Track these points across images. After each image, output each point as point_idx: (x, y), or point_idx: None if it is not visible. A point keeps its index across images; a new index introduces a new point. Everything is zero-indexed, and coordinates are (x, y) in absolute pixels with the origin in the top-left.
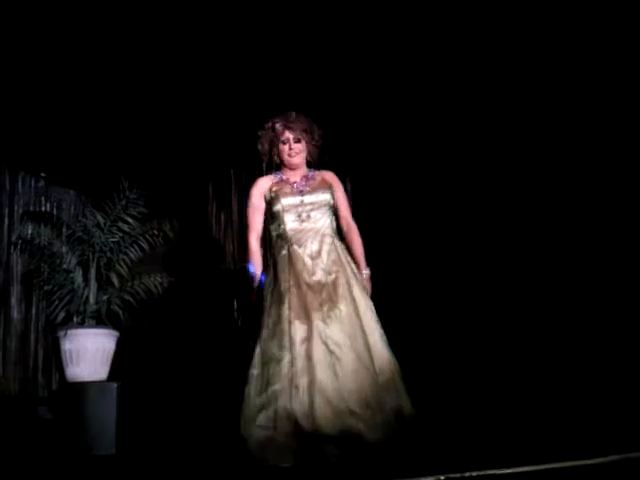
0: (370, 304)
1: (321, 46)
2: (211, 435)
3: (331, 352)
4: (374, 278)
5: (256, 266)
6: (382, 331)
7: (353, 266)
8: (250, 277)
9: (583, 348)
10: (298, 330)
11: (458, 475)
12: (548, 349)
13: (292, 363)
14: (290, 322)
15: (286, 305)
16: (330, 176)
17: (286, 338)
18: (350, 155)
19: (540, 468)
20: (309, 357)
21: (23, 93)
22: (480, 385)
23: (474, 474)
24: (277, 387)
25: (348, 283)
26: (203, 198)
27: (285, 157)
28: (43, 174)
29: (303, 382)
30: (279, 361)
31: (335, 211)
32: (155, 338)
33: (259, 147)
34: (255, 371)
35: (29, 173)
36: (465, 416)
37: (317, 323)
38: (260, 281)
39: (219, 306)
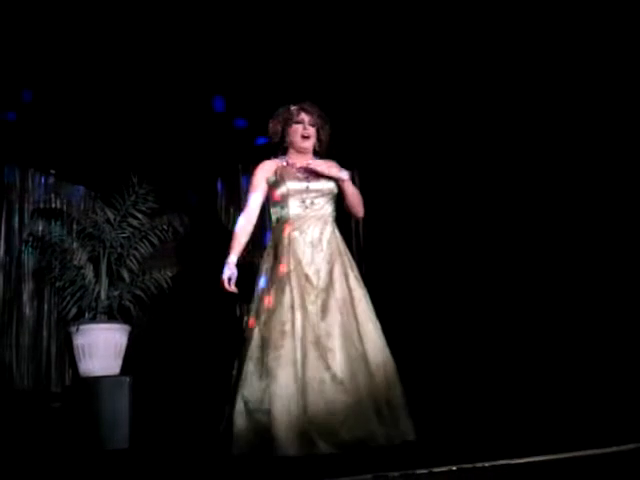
0: (365, 293)
1: (329, 40)
2: (223, 428)
3: (324, 345)
4: (378, 272)
5: (233, 248)
6: (376, 320)
7: (350, 256)
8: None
9: (593, 338)
10: (298, 318)
11: (470, 466)
12: (558, 339)
13: (293, 351)
14: (293, 309)
15: (287, 291)
16: (335, 165)
17: (288, 325)
18: (358, 147)
19: (552, 458)
20: (304, 348)
21: (32, 91)
22: (493, 376)
23: (486, 464)
24: (277, 374)
25: (345, 273)
26: (212, 193)
27: (297, 138)
28: (53, 171)
29: (300, 372)
30: (280, 347)
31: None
32: (166, 332)
33: (270, 126)
34: (254, 354)
35: (39, 170)
36: (477, 407)
37: (313, 314)
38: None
39: (229, 300)
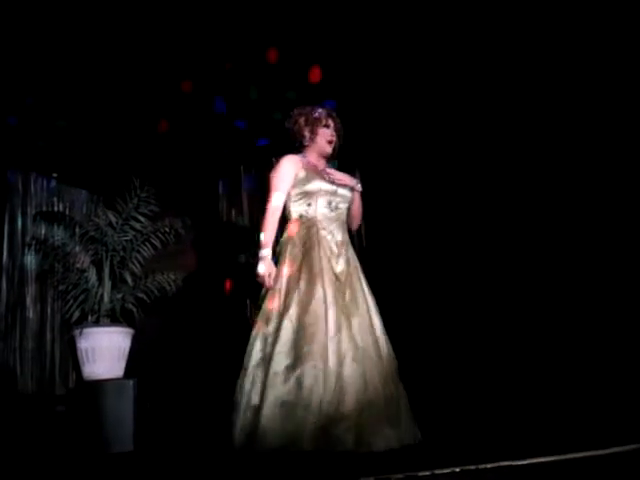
0: (373, 297)
1: (332, 41)
2: (228, 431)
3: (357, 346)
4: (379, 272)
5: (268, 242)
6: (382, 324)
7: (358, 261)
8: (260, 243)
9: (595, 340)
10: (331, 314)
11: (473, 467)
12: (561, 341)
13: (327, 348)
14: (326, 305)
15: (319, 287)
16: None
17: (322, 322)
18: (360, 146)
19: (555, 459)
20: (338, 342)
21: (34, 96)
22: (495, 377)
23: (489, 466)
24: (310, 367)
25: (360, 278)
26: (213, 195)
27: (324, 142)
28: (55, 175)
29: (335, 366)
30: (316, 343)
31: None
32: (170, 335)
33: (297, 121)
34: (283, 348)
35: (41, 174)
36: (480, 408)
37: (343, 315)
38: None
39: (232, 302)
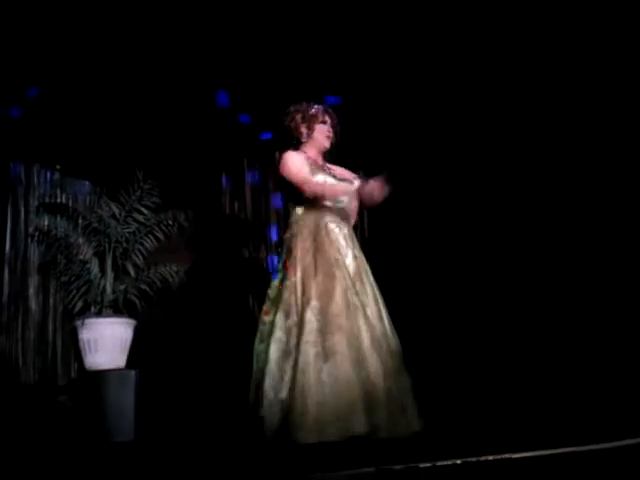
0: (379, 289)
1: (334, 36)
2: (228, 421)
3: (375, 336)
4: (382, 270)
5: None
6: (387, 313)
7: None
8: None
9: (595, 334)
10: (352, 304)
11: (474, 459)
12: (561, 334)
13: (354, 336)
14: (347, 296)
15: (337, 278)
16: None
17: (345, 312)
18: (361, 143)
19: (557, 452)
20: (364, 337)
21: (37, 86)
22: (497, 370)
23: (490, 458)
24: (338, 358)
25: (367, 270)
26: (217, 188)
27: (322, 138)
28: (58, 166)
29: (358, 355)
30: (342, 332)
31: None
32: (172, 326)
33: (294, 118)
34: (310, 338)
35: (44, 165)
36: (481, 400)
37: (360, 305)
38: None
39: (234, 294)
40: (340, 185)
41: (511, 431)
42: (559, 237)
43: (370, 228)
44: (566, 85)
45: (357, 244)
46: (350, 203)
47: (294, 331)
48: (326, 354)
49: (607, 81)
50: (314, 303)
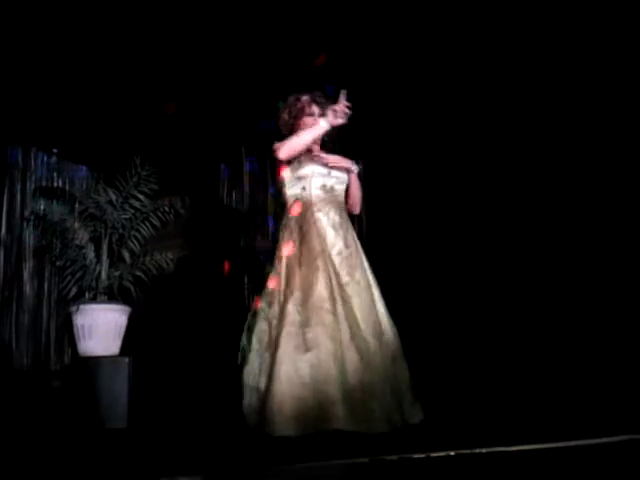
0: (374, 277)
1: (335, 28)
2: (221, 409)
3: (359, 326)
4: (383, 263)
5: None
6: (384, 303)
7: (359, 242)
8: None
9: (591, 330)
10: (337, 296)
11: (468, 451)
12: (556, 330)
13: (333, 328)
14: (331, 286)
15: (320, 268)
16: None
17: (326, 304)
18: (363, 138)
19: (550, 446)
20: (341, 324)
21: (35, 69)
22: (492, 363)
23: (484, 451)
24: (319, 350)
25: (360, 258)
26: (214, 175)
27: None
28: (55, 150)
29: (339, 348)
30: (321, 324)
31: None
32: (166, 313)
33: (280, 117)
34: (292, 329)
35: (41, 149)
36: (476, 393)
37: (344, 295)
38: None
39: (230, 282)
40: (302, 132)
41: (505, 425)
42: (558, 230)
43: (369, 225)
44: (566, 85)
45: (352, 231)
46: (342, 193)
47: (274, 323)
48: (307, 346)
49: (607, 81)
50: (297, 294)
